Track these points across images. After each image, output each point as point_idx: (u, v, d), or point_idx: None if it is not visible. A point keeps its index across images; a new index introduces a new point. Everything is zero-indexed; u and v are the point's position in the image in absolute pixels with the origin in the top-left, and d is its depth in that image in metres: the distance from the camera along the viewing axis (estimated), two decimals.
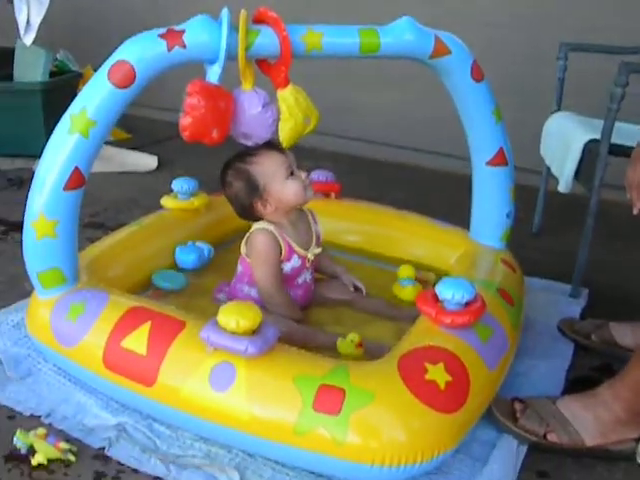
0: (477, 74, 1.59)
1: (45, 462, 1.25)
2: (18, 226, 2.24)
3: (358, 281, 1.69)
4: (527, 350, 1.63)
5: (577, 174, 1.94)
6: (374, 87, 3.12)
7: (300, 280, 1.60)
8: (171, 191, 1.93)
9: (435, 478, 1.25)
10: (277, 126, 1.48)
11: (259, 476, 1.23)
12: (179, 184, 1.91)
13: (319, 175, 2.04)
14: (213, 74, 1.37)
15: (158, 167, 2.93)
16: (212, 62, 1.36)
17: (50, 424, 1.34)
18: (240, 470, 1.23)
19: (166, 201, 1.92)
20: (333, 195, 2.03)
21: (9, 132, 2.85)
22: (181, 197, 1.93)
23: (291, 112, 1.47)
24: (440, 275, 1.75)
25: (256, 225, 1.56)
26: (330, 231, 1.82)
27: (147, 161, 2.95)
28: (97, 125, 1.34)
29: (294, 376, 1.19)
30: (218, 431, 1.25)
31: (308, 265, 1.61)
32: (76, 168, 1.36)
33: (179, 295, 1.67)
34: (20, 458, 1.26)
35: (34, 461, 1.24)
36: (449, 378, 1.22)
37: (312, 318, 1.64)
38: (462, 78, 1.58)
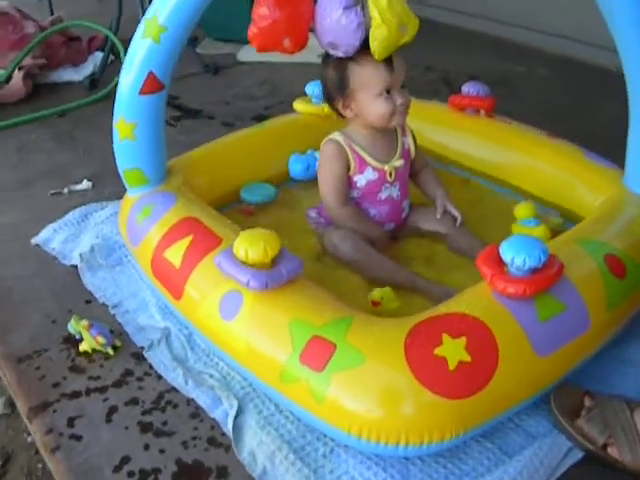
0: None
1: (90, 351, 1.35)
2: (193, 114, 2.39)
3: (454, 209, 1.48)
4: None
5: None
6: None
7: (383, 196, 1.47)
8: (304, 94, 1.85)
9: (443, 462, 1.09)
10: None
11: (258, 412, 1.18)
12: (312, 87, 1.81)
13: (470, 88, 1.79)
14: None
15: None
16: None
17: (114, 315, 1.44)
18: (244, 401, 1.20)
19: (298, 104, 1.84)
20: (483, 112, 1.77)
21: (221, 16, 2.74)
22: (315, 101, 1.83)
23: (384, 18, 1.28)
24: (572, 221, 1.47)
25: (328, 137, 1.46)
26: (453, 147, 1.70)
27: None
28: (168, 31, 1.32)
29: (291, 320, 1.10)
30: (225, 358, 1.22)
31: (390, 179, 1.46)
32: (150, 73, 1.36)
33: (268, 210, 1.62)
34: (74, 342, 1.37)
35: (81, 348, 1.35)
36: (467, 358, 1.02)
37: (399, 251, 1.49)
38: None
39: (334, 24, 1.29)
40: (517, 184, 1.64)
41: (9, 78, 2.45)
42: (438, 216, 1.47)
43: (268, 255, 1.13)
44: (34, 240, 1.69)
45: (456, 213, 1.47)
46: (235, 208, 1.64)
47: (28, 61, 2.48)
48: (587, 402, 1.14)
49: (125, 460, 1.14)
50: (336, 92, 1.42)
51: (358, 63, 1.37)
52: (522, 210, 1.50)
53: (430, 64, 2.76)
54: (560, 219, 1.53)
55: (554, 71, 2.67)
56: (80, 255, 1.58)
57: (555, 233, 1.43)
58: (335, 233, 1.43)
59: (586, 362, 1.20)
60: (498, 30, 3.03)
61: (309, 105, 1.82)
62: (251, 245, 1.13)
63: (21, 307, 1.49)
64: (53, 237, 1.69)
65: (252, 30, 1.28)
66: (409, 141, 1.50)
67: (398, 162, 1.46)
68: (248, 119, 2.29)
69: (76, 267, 1.58)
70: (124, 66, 1.39)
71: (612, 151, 1.52)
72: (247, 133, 1.76)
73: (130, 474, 1.12)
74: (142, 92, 1.38)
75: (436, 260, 1.47)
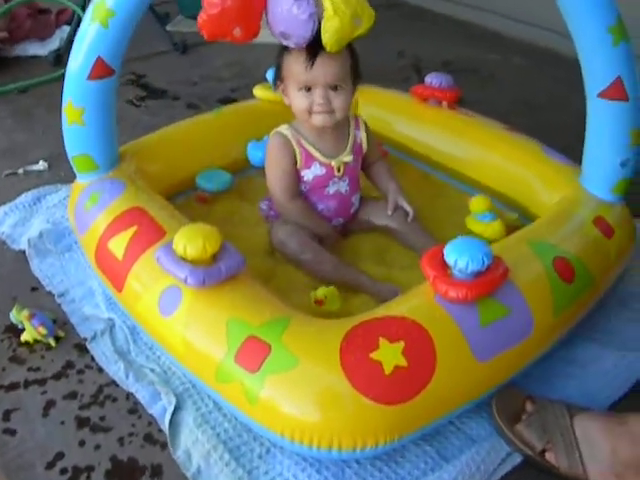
0: None
1: (31, 341, 1.32)
2: (158, 94, 2.34)
3: (406, 203, 1.45)
4: (604, 333, 1.31)
5: None
6: None
7: (331, 190, 1.44)
8: (266, 80, 1.81)
9: (379, 465, 1.08)
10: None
11: (196, 409, 1.16)
12: (272, 73, 1.77)
13: (433, 79, 1.76)
14: None
15: None
16: None
17: (59, 305, 1.41)
18: (183, 398, 1.18)
19: (258, 90, 1.81)
20: (445, 104, 1.74)
21: None
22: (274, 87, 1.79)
23: (336, 9, 1.24)
24: (527, 218, 1.46)
25: (275, 129, 1.43)
26: (412, 137, 1.69)
27: None
28: (117, 15, 1.28)
29: (229, 318, 1.08)
30: (165, 355, 1.20)
31: (339, 174, 1.43)
32: (99, 58, 1.32)
33: (223, 198, 1.59)
34: (17, 332, 1.34)
35: (22, 338, 1.32)
36: (403, 362, 1.01)
37: (349, 247, 1.47)
38: None
39: (285, 14, 1.25)
40: (475, 178, 1.62)
41: None
42: (389, 212, 1.44)
43: (207, 251, 1.11)
44: None
45: (408, 208, 1.44)
46: (191, 195, 1.61)
47: None
48: (528, 407, 1.13)
49: (59, 456, 1.12)
50: (277, 76, 1.40)
51: (288, 52, 1.33)
52: (477, 203, 1.48)
53: (402, 50, 2.71)
54: (516, 215, 1.52)
55: (530, 61, 2.64)
56: (28, 240, 1.55)
57: (512, 229, 1.41)
58: (282, 228, 1.41)
59: (532, 365, 1.19)
60: (475, 17, 2.98)
61: (269, 92, 1.78)
62: (190, 241, 1.10)
63: None
64: (3, 220, 1.65)
65: (202, 17, 1.24)
66: (361, 135, 1.46)
67: (347, 157, 1.42)
68: (213, 101, 2.25)
69: (25, 253, 1.54)
70: (72, 50, 1.35)
71: (580, 146, 1.50)
72: (204, 118, 1.72)
73: (63, 471, 1.10)
74: (90, 77, 1.34)
75: (386, 257, 1.45)
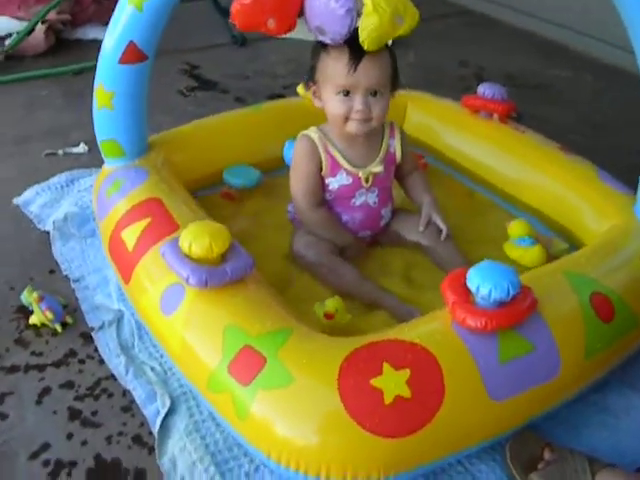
0: None
1: (39, 324, 1.29)
2: (209, 86, 2.30)
3: (440, 220, 1.35)
4: None
5: None
6: None
7: (357, 202, 1.35)
8: None
9: None
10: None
11: (190, 415, 1.10)
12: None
13: (486, 89, 1.65)
14: None
15: None
16: None
17: (73, 290, 1.38)
18: (179, 402, 1.13)
19: (302, 88, 1.73)
20: (496, 116, 1.64)
21: None
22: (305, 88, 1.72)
23: (376, 5, 1.16)
24: (578, 246, 1.34)
25: (303, 131, 1.35)
26: (458, 150, 1.62)
27: None
28: None
29: (227, 324, 1.01)
30: (164, 354, 1.15)
31: (367, 185, 1.33)
32: (131, 42, 1.28)
33: (250, 196, 1.53)
34: (27, 313, 1.31)
35: (31, 320, 1.29)
36: (406, 393, 0.92)
37: (376, 260, 1.38)
38: None
39: (322, 7, 1.18)
40: (521, 198, 1.52)
41: (31, 31, 2.40)
42: (421, 228, 1.35)
43: (213, 251, 1.04)
44: (16, 200, 1.64)
45: (442, 225, 1.34)
46: (218, 191, 1.55)
47: (52, 15, 2.42)
48: (547, 455, 1.02)
49: (44, 447, 1.09)
50: (310, 77, 1.31)
51: (326, 52, 1.25)
52: (515, 228, 1.38)
53: (465, 59, 2.61)
54: (567, 245, 1.40)
55: (601, 80, 2.49)
56: (53, 222, 1.53)
57: (555, 258, 1.30)
58: (302, 240, 1.33)
59: (559, 406, 1.09)
60: (546, 30, 2.84)
61: None
62: (196, 238, 1.04)
63: None
64: (34, 199, 1.64)
65: (235, 7, 1.18)
66: (396, 144, 1.36)
67: (377, 168, 1.33)
68: (263, 97, 2.19)
69: (49, 234, 1.52)
70: (108, 31, 1.31)
71: None
72: (242, 113, 1.67)
73: (45, 463, 1.06)
74: (122, 61, 1.30)
75: (413, 275, 1.36)
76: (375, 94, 1.25)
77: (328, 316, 1.15)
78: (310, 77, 1.31)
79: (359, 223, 1.36)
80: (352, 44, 1.20)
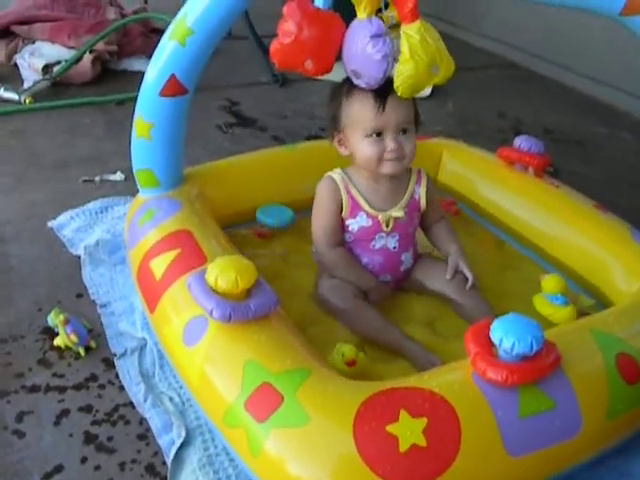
0: None
1: (63, 347, 1.30)
2: (247, 123, 2.35)
3: (467, 268, 1.34)
4: None
5: None
6: None
7: (377, 245, 1.35)
8: None
9: None
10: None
11: (205, 448, 1.10)
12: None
13: (523, 142, 1.66)
14: None
15: None
16: None
17: (99, 316, 1.40)
18: (194, 434, 1.12)
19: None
20: (531, 169, 1.64)
21: None
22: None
23: (413, 53, 1.18)
24: (606, 305, 1.33)
25: (328, 172, 1.36)
26: (491, 201, 1.63)
27: None
28: (195, 34, 1.28)
29: (247, 360, 1.02)
30: (183, 385, 1.15)
31: (387, 229, 1.33)
32: (173, 75, 1.32)
33: (283, 235, 1.55)
34: (52, 335, 1.33)
35: (55, 342, 1.31)
36: (422, 442, 0.91)
37: (400, 306, 1.37)
38: None
39: (360, 52, 1.20)
40: (552, 253, 1.51)
41: (79, 60, 2.48)
42: (448, 277, 1.34)
43: (239, 286, 1.05)
44: (50, 223, 1.68)
45: (468, 274, 1.33)
46: (252, 228, 1.57)
47: (100, 46, 2.51)
48: None
49: (58, 469, 1.09)
50: (332, 126, 1.32)
51: (349, 100, 1.27)
52: (550, 283, 1.36)
53: (504, 110, 2.62)
54: (593, 302, 1.39)
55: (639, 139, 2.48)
56: (85, 247, 1.56)
57: (583, 315, 1.29)
58: (326, 283, 1.33)
59: (578, 468, 1.06)
60: (585, 86, 2.85)
61: None
62: (222, 273, 1.05)
63: (13, 288, 1.47)
64: (68, 223, 1.67)
65: (275, 45, 1.21)
66: (421, 191, 1.37)
67: (398, 212, 1.33)
68: (300, 137, 2.23)
69: (80, 258, 1.55)
70: (151, 63, 1.35)
71: None
72: (278, 152, 1.70)
73: None
74: (162, 94, 1.34)
75: (437, 323, 1.35)
76: (405, 132, 1.27)
77: (350, 363, 1.14)
78: (334, 126, 1.32)
79: (379, 267, 1.36)
80: (378, 87, 1.22)
